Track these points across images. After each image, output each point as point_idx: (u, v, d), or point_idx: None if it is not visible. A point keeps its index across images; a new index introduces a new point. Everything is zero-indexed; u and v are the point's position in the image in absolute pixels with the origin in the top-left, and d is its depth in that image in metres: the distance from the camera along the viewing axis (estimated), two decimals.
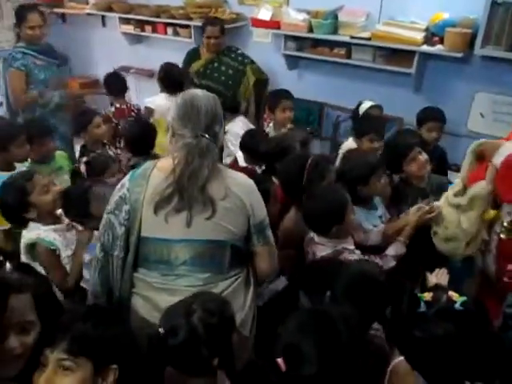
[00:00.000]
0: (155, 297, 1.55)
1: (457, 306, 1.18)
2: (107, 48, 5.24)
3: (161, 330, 1.31)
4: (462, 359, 1.16)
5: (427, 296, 1.21)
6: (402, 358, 1.32)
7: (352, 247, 1.89)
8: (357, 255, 1.87)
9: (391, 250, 1.94)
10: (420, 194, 2.29)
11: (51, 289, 1.41)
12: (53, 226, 2.01)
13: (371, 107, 3.05)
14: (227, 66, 3.75)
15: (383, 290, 1.47)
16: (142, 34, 4.78)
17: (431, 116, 2.85)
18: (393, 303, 1.34)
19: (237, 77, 3.73)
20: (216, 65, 3.77)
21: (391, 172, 2.38)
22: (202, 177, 1.48)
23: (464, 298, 1.19)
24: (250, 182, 1.63)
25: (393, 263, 1.90)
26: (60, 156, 2.97)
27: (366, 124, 2.85)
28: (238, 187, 1.55)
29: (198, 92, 1.61)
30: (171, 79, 3.50)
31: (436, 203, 2.02)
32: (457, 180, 1.99)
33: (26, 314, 1.15)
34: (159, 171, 1.54)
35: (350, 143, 2.93)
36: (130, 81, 5.27)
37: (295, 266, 2.04)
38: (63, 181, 2.74)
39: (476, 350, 1.16)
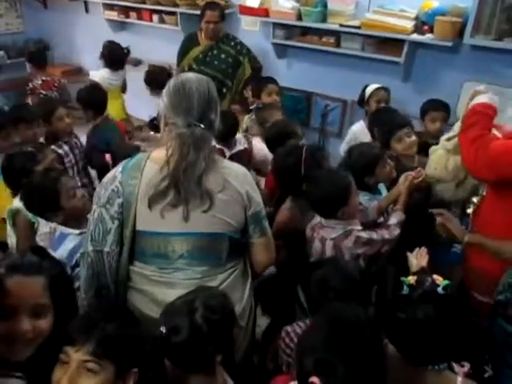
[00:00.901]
0: (153, 290, 1.52)
1: (439, 289, 1.18)
2: (90, 35, 5.12)
3: (163, 329, 1.28)
4: (442, 341, 1.18)
5: (411, 279, 1.21)
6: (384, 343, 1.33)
7: (360, 227, 1.90)
8: (365, 233, 1.87)
9: (393, 219, 1.97)
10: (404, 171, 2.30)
11: (65, 273, 1.35)
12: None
13: (377, 89, 3.01)
14: (227, 54, 3.68)
15: (358, 285, 1.51)
16: (127, 20, 4.69)
17: (433, 106, 2.83)
18: (378, 287, 1.34)
19: (235, 66, 3.69)
20: (216, 52, 3.69)
21: (382, 146, 2.40)
22: (199, 170, 1.43)
23: (447, 282, 1.20)
24: (245, 171, 1.59)
25: (397, 231, 1.93)
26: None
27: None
28: (234, 178, 1.51)
29: (191, 76, 1.53)
30: (114, 57, 3.93)
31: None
32: (457, 124, 2.04)
33: (39, 296, 1.14)
34: (153, 163, 1.49)
35: (361, 126, 2.97)
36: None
37: (285, 256, 2.03)
38: None
39: (454, 333, 1.18)
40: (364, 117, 3.08)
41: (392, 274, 1.30)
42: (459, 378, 1.22)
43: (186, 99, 1.45)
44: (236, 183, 1.51)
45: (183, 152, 1.43)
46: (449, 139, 2.09)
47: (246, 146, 2.87)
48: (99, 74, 3.98)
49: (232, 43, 3.72)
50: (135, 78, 5.05)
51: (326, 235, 1.90)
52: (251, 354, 1.74)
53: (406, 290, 1.20)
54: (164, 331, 1.27)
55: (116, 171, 1.53)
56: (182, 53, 3.80)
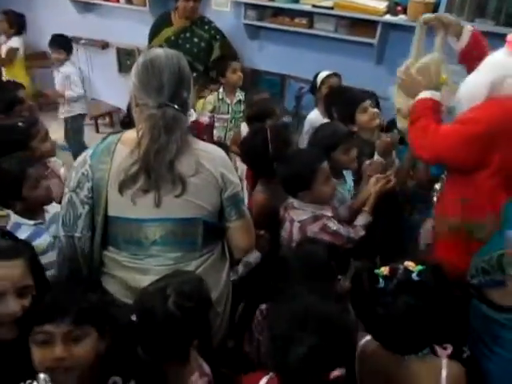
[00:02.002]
0: (126, 276, 1.49)
1: (414, 276, 1.17)
2: (54, 17, 4.91)
3: (133, 317, 1.25)
4: (424, 328, 1.18)
5: (384, 270, 1.20)
6: (368, 337, 1.33)
7: (330, 214, 1.88)
8: (333, 223, 1.86)
9: (359, 221, 1.98)
10: (367, 146, 2.36)
11: (35, 252, 1.39)
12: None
13: (328, 76, 3.02)
14: (200, 38, 3.54)
15: (329, 268, 1.53)
16: (92, 1, 4.51)
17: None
18: (353, 282, 1.33)
19: (208, 50, 3.56)
20: (188, 35, 3.54)
21: (344, 123, 2.40)
22: (170, 153, 1.36)
23: (420, 268, 1.18)
24: (222, 153, 1.53)
25: (362, 232, 1.94)
26: None
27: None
28: (208, 160, 1.45)
29: (160, 52, 1.44)
30: (16, 22, 4.30)
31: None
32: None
33: (24, 278, 1.23)
34: (124, 145, 1.43)
35: (315, 115, 2.94)
36: (80, 52, 5.03)
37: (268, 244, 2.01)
38: None
39: (438, 316, 1.18)
40: (317, 105, 3.05)
41: (365, 268, 1.28)
42: (443, 361, 1.22)
43: (156, 77, 1.37)
44: (210, 166, 1.45)
45: (154, 134, 1.36)
46: (406, 69, 2.04)
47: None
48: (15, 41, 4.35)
49: (206, 27, 3.57)
50: (103, 61, 4.92)
51: (294, 217, 1.88)
52: (227, 338, 1.71)
53: (382, 283, 1.18)
54: (135, 319, 1.24)
55: (86, 154, 1.48)
56: (154, 32, 3.64)
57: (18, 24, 4.31)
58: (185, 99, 1.42)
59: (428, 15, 1.98)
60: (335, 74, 3.03)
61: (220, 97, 3.34)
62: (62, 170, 2.34)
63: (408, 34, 3.10)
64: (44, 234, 1.83)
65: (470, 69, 1.80)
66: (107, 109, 5.01)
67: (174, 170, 1.38)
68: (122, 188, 1.39)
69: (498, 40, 2.52)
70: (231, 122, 3.37)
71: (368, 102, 2.44)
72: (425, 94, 1.83)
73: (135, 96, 1.42)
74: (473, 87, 1.67)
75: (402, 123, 2.09)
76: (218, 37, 3.60)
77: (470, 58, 1.87)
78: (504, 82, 1.59)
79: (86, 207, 1.45)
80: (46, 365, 1.11)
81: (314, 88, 3.10)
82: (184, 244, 1.49)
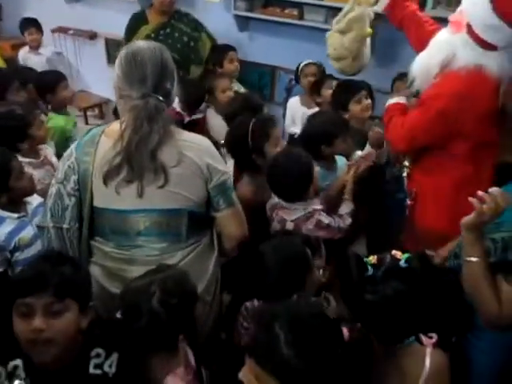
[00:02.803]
0: (113, 266, 1.51)
1: (401, 263, 1.19)
2: (41, 7, 4.83)
3: (118, 314, 1.26)
4: (412, 315, 1.20)
5: (372, 259, 1.22)
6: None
7: (320, 207, 1.89)
8: (325, 217, 1.87)
9: (343, 209, 1.99)
10: (358, 135, 2.40)
11: None
12: (28, 159, 2.13)
13: (306, 65, 3.12)
14: (181, 33, 3.39)
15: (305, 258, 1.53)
16: None
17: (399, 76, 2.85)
18: (342, 271, 1.34)
19: (191, 44, 3.42)
20: (168, 30, 3.38)
21: (336, 109, 2.54)
22: (152, 143, 1.37)
23: (407, 255, 1.21)
24: (206, 142, 1.53)
25: (349, 220, 1.95)
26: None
27: None
28: (191, 150, 1.45)
29: (142, 44, 1.46)
30: None
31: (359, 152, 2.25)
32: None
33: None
34: (107, 137, 1.44)
35: (294, 101, 3.11)
36: (69, 43, 4.97)
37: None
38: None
39: (426, 303, 1.20)
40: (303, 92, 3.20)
41: (353, 257, 1.29)
42: (428, 349, 1.23)
43: (139, 69, 1.39)
44: (194, 156, 1.45)
45: (136, 125, 1.37)
46: (337, 22, 2.43)
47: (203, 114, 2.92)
48: None
49: (185, 20, 3.44)
50: (92, 52, 4.87)
51: (285, 216, 1.87)
52: (218, 329, 1.72)
53: (370, 271, 1.20)
54: (119, 316, 1.25)
55: (73, 146, 1.50)
56: (129, 33, 3.48)
57: None
58: (168, 90, 1.44)
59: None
60: (314, 64, 3.11)
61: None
62: (54, 158, 2.34)
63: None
64: (28, 227, 1.83)
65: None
66: (96, 100, 4.96)
67: (155, 161, 1.38)
68: (106, 179, 1.40)
69: None
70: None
71: (363, 93, 2.49)
72: (393, 100, 2.04)
73: (119, 88, 1.43)
74: (426, 66, 1.84)
75: (335, 64, 2.54)
76: (198, 27, 3.47)
77: (395, 20, 2.22)
78: (454, 58, 1.73)
79: (73, 199, 1.47)
80: (25, 336, 1.13)
81: (296, 76, 3.23)
82: (169, 235, 1.50)
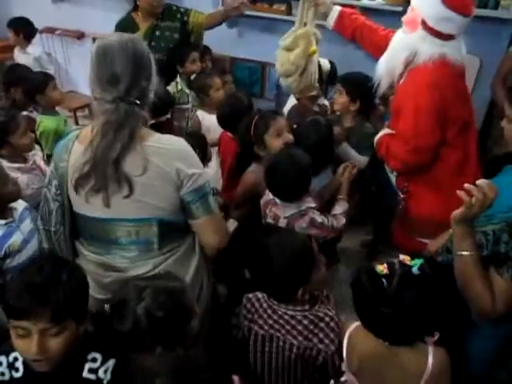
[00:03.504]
0: (90, 269, 1.48)
1: (414, 270, 1.17)
2: (27, 6, 4.78)
3: (106, 306, 1.27)
4: (429, 318, 1.19)
5: (383, 269, 1.18)
6: (354, 325, 1.34)
7: (314, 205, 1.89)
8: (318, 215, 1.87)
9: (338, 209, 1.99)
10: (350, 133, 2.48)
11: None
12: (17, 165, 2.11)
13: None
14: (171, 30, 3.15)
15: (310, 257, 1.51)
16: None
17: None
18: (354, 286, 1.30)
19: (185, 38, 3.20)
20: (158, 33, 3.13)
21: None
22: (114, 152, 1.30)
23: (418, 261, 1.19)
24: (179, 146, 1.41)
25: (343, 220, 1.96)
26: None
27: None
28: (159, 155, 1.35)
29: (112, 39, 1.34)
30: None
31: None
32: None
33: None
34: (80, 143, 1.39)
35: (291, 102, 2.97)
36: (56, 43, 4.93)
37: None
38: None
39: (439, 306, 1.19)
40: None
41: (364, 271, 1.25)
42: (430, 348, 1.24)
43: (109, 68, 1.30)
44: (161, 162, 1.35)
45: (104, 132, 1.32)
46: (283, 40, 2.50)
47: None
48: None
49: (172, 14, 3.17)
50: (80, 52, 4.83)
51: (279, 213, 1.87)
52: (208, 330, 1.68)
53: (384, 283, 1.16)
54: (107, 308, 1.26)
55: (54, 150, 1.48)
56: None
57: None
58: (143, 88, 1.34)
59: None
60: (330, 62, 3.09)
61: (179, 87, 3.09)
62: (42, 163, 2.32)
63: (385, 18, 3.10)
64: (17, 232, 1.79)
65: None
66: (86, 101, 4.90)
67: (119, 170, 1.32)
68: (77, 187, 1.38)
69: (476, 22, 2.54)
70: (191, 111, 3.18)
71: (338, 88, 2.54)
72: (382, 132, 2.11)
73: (92, 89, 1.36)
74: (390, 67, 1.93)
75: (283, 81, 2.63)
76: (185, 16, 3.19)
77: (347, 33, 2.31)
78: (416, 55, 1.82)
79: (56, 203, 1.47)
80: (24, 353, 1.13)
81: None
82: (139, 244, 1.46)
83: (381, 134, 2.13)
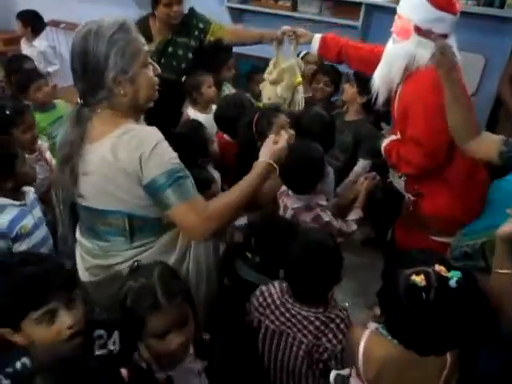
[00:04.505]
0: (79, 253, 1.57)
1: (452, 283, 1.12)
2: (32, 0, 4.78)
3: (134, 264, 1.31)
4: (463, 332, 1.17)
5: (421, 280, 1.13)
6: (367, 333, 1.32)
7: (325, 203, 1.91)
8: (327, 215, 1.88)
9: (352, 215, 2.03)
10: (342, 126, 2.58)
11: None
12: None
13: (308, 53, 3.10)
14: (185, 48, 2.79)
15: (337, 257, 1.50)
16: None
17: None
18: (387, 295, 1.26)
19: (198, 54, 2.84)
20: (171, 49, 2.77)
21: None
22: (67, 147, 1.35)
23: (458, 274, 1.14)
24: (137, 137, 1.30)
25: (355, 227, 1.99)
26: (61, 105, 2.80)
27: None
28: (121, 147, 1.28)
29: (81, 31, 1.27)
30: None
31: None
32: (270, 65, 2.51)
33: None
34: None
35: None
36: (61, 37, 4.92)
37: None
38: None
39: (471, 323, 1.17)
40: None
41: (402, 277, 1.19)
42: (448, 358, 1.24)
43: (73, 68, 1.30)
44: (124, 153, 1.28)
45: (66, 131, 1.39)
46: (269, 73, 2.51)
47: None
48: None
49: (189, 28, 2.79)
50: None
51: (289, 204, 1.90)
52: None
53: (424, 296, 1.12)
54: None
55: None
56: None
57: None
58: (110, 82, 1.28)
59: (286, 27, 2.39)
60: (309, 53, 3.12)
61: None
62: (48, 153, 2.33)
63: (391, 15, 3.10)
64: (28, 216, 1.84)
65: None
66: None
67: (74, 167, 1.35)
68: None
69: (480, 20, 2.56)
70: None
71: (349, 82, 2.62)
72: (385, 142, 2.12)
73: None
74: (387, 79, 1.94)
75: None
76: (203, 34, 2.81)
77: (332, 56, 2.33)
78: (414, 61, 1.84)
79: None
80: (52, 339, 1.14)
81: None
82: (111, 235, 1.45)
83: (387, 141, 2.13)
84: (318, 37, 2.34)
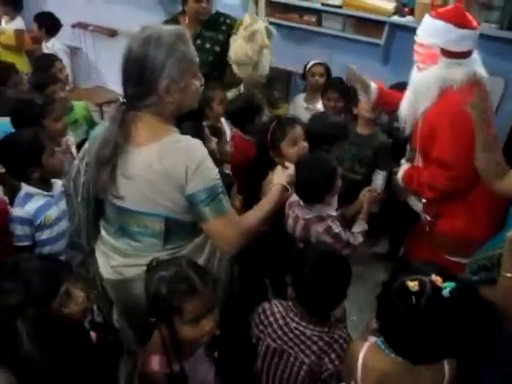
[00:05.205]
0: (105, 250, 1.57)
1: (445, 293, 1.14)
2: (62, 1, 4.92)
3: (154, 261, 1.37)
4: (454, 342, 1.18)
5: (414, 286, 1.16)
6: (366, 346, 1.33)
7: (334, 213, 1.92)
8: (336, 225, 1.90)
9: (356, 228, 2.03)
10: (357, 139, 2.63)
11: None
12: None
13: (314, 64, 3.21)
14: (213, 42, 2.95)
15: (346, 268, 1.51)
16: None
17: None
18: (382, 298, 1.29)
19: (225, 49, 2.93)
20: (199, 42, 2.91)
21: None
22: (108, 149, 1.35)
23: (452, 284, 1.15)
24: (190, 146, 1.37)
25: (361, 239, 2.00)
26: (79, 107, 2.80)
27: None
28: (169, 155, 1.34)
29: (139, 36, 1.31)
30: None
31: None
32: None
33: None
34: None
35: (299, 98, 3.26)
36: (88, 39, 5.05)
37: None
38: (79, 134, 2.60)
39: (464, 333, 1.18)
40: (305, 90, 3.39)
41: (395, 287, 1.23)
42: (446, 365, 1.25)
43: (123, 66, 1.35)
44: (167, 161, 1.33)
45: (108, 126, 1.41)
46: (245, 29, 2.63)
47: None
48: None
49: (217, 24, 2.98)
50: (111, 48, 4.93)
51: (300, 214, 1.91)
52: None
53: (414, 301, 1.15)
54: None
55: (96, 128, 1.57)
56: None
57: (13, 2, 4.03)
58: (162, 87, 1.32)
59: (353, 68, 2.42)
60: (320, 64, 3.22)
61: None
62: (73, 148, 2.39)
63: (414, 35, 3.14)
64: (54, 207, 1.90)
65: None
66: (112, 96, 5.00)
67: (114, 172, 1.37)
68: (99, 171, 1.43)
69: (503, 43, 2.58)
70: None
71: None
72: (401, 170, 2.18)
73: None
74: (414, 106, 1.99)
75: (235, 68, 2.82)
76: (230, 29, 2.96)
77: (383, 105, 2.46)
78: (446, 82, 1.88)
79: (83, 178, 1.53)
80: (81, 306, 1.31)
81: (303, 75, 3.34)
82: (146, 236, 1.47)
83: (404, 168, 2.14)
84: (374, 87, 2.42)
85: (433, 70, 1.89)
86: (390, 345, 1.27)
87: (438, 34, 1.85)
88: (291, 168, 1.72)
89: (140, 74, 1.30)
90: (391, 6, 3.05)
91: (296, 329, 1.50)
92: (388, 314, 1.25)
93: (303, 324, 1.50)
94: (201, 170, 1.34)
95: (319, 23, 3.42)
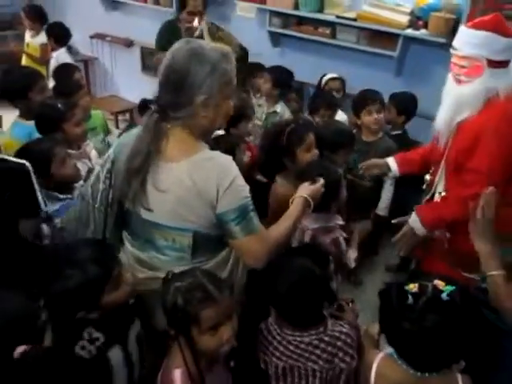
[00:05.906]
0: (130, 263, 1.53)
1: (443, 296, 1.16)
2: (81, 13, 5.04)
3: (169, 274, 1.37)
4: (450, 347, 1.18)
5: (413, 287, 1.19)
6: (380, 356, 1.33)
7: (341, 222, 1.92)
8: (342, 241, 1.91)
9: (351, 254, 2.05)
10: (365, 146, 2.72)
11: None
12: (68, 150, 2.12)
13: (331, 79, 3.23)
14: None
15: (322, 285, 1.48)
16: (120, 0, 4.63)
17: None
18: (381, 297, 1.30)
19: None
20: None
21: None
22: (137, 161, 1.35)
23: (451, 288, 1.18)
24: (225, 165, 1.38)
25: (353, 265, 2.05)
26: (96, 116, 2.85)
27: (317, 100, 3.08)
28: (199, 172, 1.34)
29: (182, 47, 1.33)
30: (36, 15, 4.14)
31: None
32: None
33: None
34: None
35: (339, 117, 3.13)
36: (106, 49, 5.15)
37: None
38: (97, 142, 2.65)
39: (465, 336, 1.19)
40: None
41: (394, 285, 1.26)
42: (458, 376, 1.25)
43: (166, 77, 1.35)
44: (198, 178, 1.34)
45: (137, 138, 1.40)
46: None
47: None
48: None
49: (215, 35, 3.25)
50: (127, 58, 5.03)
51: (307, 224, 1.88)
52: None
53: (410, 300, 1.17)
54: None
55: (119, 139, 1.59)
56: (161, 46, 3.25)
57: (39, 17, 4.14)
58: (194, 100, 1.32)
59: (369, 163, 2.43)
60: (337, 78, 3.25)
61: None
62: (93, 152, 2.44)
63: (428, 47, 3.18)
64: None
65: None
66: (127, 106, 5.10)
67: (144, 185, 1.37)
68: (129, 181, 1.42)
69: None
70: None
71: (376, 106, 2.72)
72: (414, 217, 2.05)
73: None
74: (453, 119, 1.92)
75: None
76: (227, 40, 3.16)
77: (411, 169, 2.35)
78: (490, 92, 1.84)
79: (103, 185, 1.53)
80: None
81: (319, 88, 3.34)
82: (174, 250, 1.46)
83: (416, 217, 2.03)
84: (391, 160, 2.38)
85: (479, 81, 1.84)
86: (390, 344, 1.27)
87: (484, 46, 1.80)
88: (320, 182, 1.68)
89: (180, 84, 1.31)
90: (405, 19, 3.08)
91: (294, 340, 1.46)
92: (385, 311, 1.27)
93: (298, 334, 1.46)
94: (232, 189, 1.34)
95: (333, 35, 3.46)
